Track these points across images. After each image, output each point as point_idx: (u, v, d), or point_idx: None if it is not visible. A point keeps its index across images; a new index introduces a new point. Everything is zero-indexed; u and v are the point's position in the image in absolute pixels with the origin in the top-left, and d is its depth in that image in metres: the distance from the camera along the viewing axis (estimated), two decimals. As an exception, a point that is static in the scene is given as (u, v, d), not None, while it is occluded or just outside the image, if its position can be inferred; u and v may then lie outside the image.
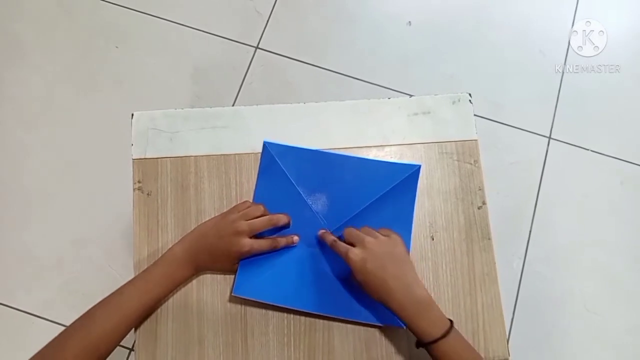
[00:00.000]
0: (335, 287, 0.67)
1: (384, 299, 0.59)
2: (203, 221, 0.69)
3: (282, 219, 0.67)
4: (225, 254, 0.65)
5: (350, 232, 0.64)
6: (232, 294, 0.66)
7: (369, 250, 0.60)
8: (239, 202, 0.70)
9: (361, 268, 0.59)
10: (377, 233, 0.63)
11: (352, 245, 0.62)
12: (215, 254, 0.66)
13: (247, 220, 0.64)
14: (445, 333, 0.57)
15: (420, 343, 0.58)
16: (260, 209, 0.67)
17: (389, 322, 0.66)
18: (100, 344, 0.60)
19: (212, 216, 0.70)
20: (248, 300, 0.67)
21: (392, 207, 0.71)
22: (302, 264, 0.68)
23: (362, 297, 0.67)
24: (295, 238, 0.68)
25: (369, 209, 0.70)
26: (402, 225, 0.70)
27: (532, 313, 1.30)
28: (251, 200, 0.72)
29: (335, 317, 0.67)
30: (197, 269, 0.67)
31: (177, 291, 0.68)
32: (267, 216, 0.66)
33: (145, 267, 0.68)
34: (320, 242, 0.69)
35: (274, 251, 0.67)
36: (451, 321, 0.59)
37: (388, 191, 0.71)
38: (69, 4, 1.53)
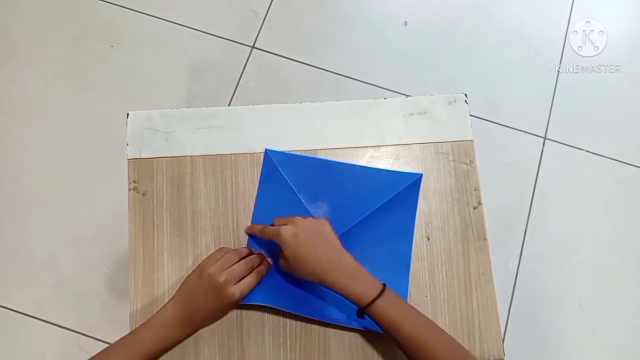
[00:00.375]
0: (332, 294, 0.67)
1: (316, 273, 0.60)
2: (187, 275, 0.66)
3: (257, 260, 0.67)
4: (218, 309, 0.65)
5: (280, 217, 0.66)
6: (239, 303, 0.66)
7: (299, 226, 0.62)
8: (215, 250, 0.68)
9: (292, 242, 0.61)
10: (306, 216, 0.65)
11: None
12: (208, 313, 0.65)
13: (227, 269, 0.63)
14: (381, 292, 0.58)
15: (361, 309, 0.59)
16: (237, 253, 0.66)
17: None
18: None
19: (208, 216, 0.71)
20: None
21: (394, 216, 0.70)
22: None
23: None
24: (270, 260, 0.68)
25: (371, 217, 0.70)
26: (404, 233, 0.70)
27: (528, 313, 1.30)
28: (248, 202, 0.71)
29: (332, 322, 0.67)
30: (194, 329, 0.66)
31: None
32: (245, 259, 0.65)
33: (141, 271, 0.69)
34: None
35: (261, 280, 0.66)
36: (384, 285, 0.60)
37: (390, 199, 0.70)
38: (64, 2, 1.52)
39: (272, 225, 0.66)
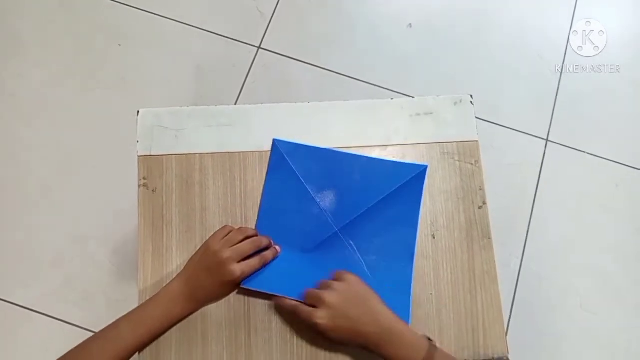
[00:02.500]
0: None
1: (359, 343, 0.60)
2: (194, 253, 0.68)
3: (264, 240, 0.68)
4: (220, 285, 0.66)
5: (309, 293, 0.63)
6: (240, 286, 0.67)
7: (330, 305, 0.60)
8: (219, 228, 0.69)
9: (330, 328, 0.59)
10: (330, 282, 0.63)
11: (313, 306, 0.61)
12: (211, 288, 0.67)
13: (231, 246, 0.65)
14: (427, 356, 0.57)
15: None
16: (243, 232, 0.67)
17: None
18: None
19: (216, 213, 0.72)
20: (252, 296, 0.68)
21: (399, 206, 0.72)
22: (309, 257, 0.70)
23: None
24: (278, 248, 0.69)
25: (376, 207, 0.71)
26: (408, 224, 0.71)
27: (530, 312, 1.31)
28: (256, 199, 0.72)
29: None
30: (198, 304, 0.68)
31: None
32: (251, 239, 0.66)
33: (150, 264, 0.70)
34: (327, 239, 0.70)
35: (265, 266, 0.67)
36: (430, 340, 0.60)
37: (395, 190, 0.72)
38: (71, 1, 1.53)
39: (300, 301, 0.64)
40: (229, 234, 0.67)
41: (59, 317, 1.27)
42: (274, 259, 0.68)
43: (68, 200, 1.37)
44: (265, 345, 0.68)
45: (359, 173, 0.73)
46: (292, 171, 0.73)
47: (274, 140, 0.74)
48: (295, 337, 0.68)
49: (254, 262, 0.66)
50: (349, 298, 0.61)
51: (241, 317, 0.68)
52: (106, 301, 1.28)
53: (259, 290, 0.67)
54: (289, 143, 0.74)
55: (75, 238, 1.33)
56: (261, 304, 0.69)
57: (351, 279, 0.63)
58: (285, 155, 0.73)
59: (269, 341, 0.68)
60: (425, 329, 0.68)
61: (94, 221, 1.35)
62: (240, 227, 0.69)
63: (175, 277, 0.67)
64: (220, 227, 0.70)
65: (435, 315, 0.69)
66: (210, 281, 0.65)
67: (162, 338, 0.67)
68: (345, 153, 0.74)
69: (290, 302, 0.65)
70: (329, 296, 0.60)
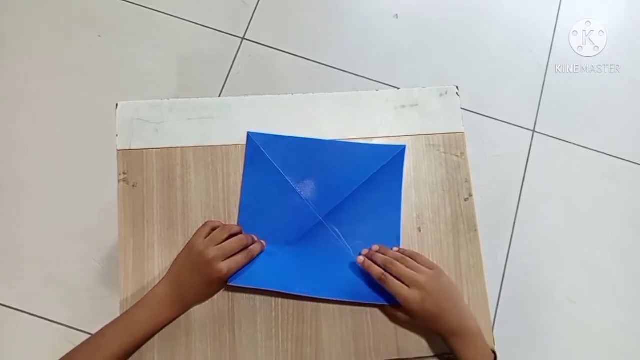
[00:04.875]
0: (326, 270, 0.68)
1: (436, 328, 0.62)
2: (178, 254, 0.67)
3: (249, 239, 0.67)
4: (207, 284, 0.65)
5: (397, 268, 0.63)
6: (227, 284, 0.66)
7: (424, 288, 0.61)
8: (200, 226, 0.68)
9: (420, 309, 0.61)
10: (419, 266, 0.63)
11: (397, 277, 0.63)
12: (198, 289, 0.66)
13: (216, 245, 0.64)
14: None
15: None
16: (227, 230, 0.66)
17: (383, 301, 0.67)
18: None
19: (199, 207, 0.70)
20: (236, 291, 0.67)
21: (381, 189, 0.71)
22: (295, 249, 0.69)
23: (353, 278, 0.68)
24: (264, 242, 0.68)
25: (358, 192, 0.71)
26: (392, 206, 0.71)
27: (516, 306, 1.32)
28: (239, 193, 0.71)
29: (328, 298, 0.67)
30: (186, 307, 0.67)
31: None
32: (236, 237, 0.65)
33: (131, 263, 0.68)
34: (311, 229, 0.70)
35: (252, 260, 0.66)
36: (495, 354, 0.62)
37: (375, 173, 0.71)
38: (50, -9, 1.50)
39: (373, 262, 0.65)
40: (212, 231, 0.66)
41: (42, 315, 1.25)
42: (260, 252, 0.67)
43: (51, 196, 1.34)
44: (250, 341, 0.67)
45: (337, 159, 0.72)
46: (269, 163, 0.72)
47: (249, 133, 0.73)
48: (280, 332, 0.67)
49: (239, 257, 0.64)
50: (441, 288, 0.62)
51: (225, 313, 0.67)
52: (89, 298, 1.26)
53: (246, 286, 0.66)
54: (264, 135, 0.73)
55: (58, 235, 1.31)
56: (245, 300, 0.68)
57: (439, 268, 0.65)
58: (261, 147, 0.72)
59: (253, 337, 0.67)
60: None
61: (77, 217, 1.33)
62: (224, 225, 0.68)
63: (160, 281, 0.66)
64: (203, 222, 0.69)
65: (421, 309, 0.68)
66: (196, 282, 0.64)
67: (144, 336, 0.66)
68: (321, 140, 0.73)
69: (377, 269, 0.64)
70: (423, 280, 0.61)
